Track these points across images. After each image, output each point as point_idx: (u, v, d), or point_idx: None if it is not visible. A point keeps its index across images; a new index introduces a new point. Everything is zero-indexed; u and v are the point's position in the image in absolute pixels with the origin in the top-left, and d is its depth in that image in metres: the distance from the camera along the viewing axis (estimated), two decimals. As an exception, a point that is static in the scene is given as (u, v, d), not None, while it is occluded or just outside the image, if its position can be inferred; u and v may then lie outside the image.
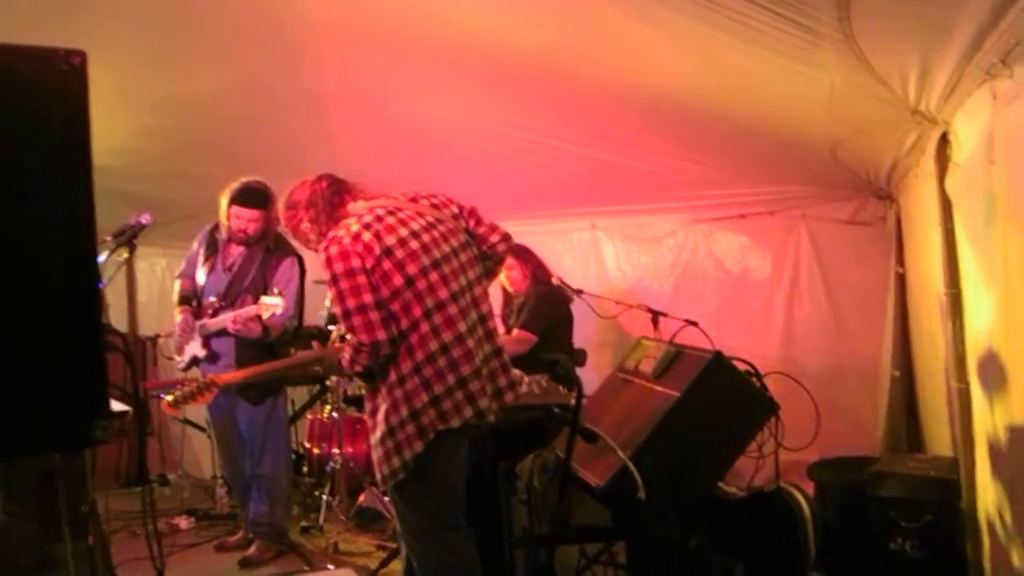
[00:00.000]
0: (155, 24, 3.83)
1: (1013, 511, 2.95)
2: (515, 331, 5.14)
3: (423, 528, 3.16)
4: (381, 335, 2.98)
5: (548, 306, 5.24)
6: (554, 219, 6.33)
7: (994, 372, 3.05)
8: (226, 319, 4.64)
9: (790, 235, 5.75)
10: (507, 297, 5.43)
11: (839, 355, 5.58)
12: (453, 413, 3.03)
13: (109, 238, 4.33)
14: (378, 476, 3.13)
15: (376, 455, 3.11)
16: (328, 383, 5.87)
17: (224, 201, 4.71)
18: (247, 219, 4.70)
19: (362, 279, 2.99)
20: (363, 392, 3.44)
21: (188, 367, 4.89)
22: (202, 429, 6.28)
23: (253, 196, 4.68)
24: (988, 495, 3.29)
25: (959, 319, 3.59)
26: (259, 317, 4.54)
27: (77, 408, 2.02)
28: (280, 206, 3.40)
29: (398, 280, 3.01)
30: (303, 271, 4.89)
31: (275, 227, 4.74)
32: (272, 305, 4.42)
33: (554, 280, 5.33)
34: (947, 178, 3.50)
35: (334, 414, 5.74)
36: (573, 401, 3.06)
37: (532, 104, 4.56)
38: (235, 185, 4.69)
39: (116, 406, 3.92)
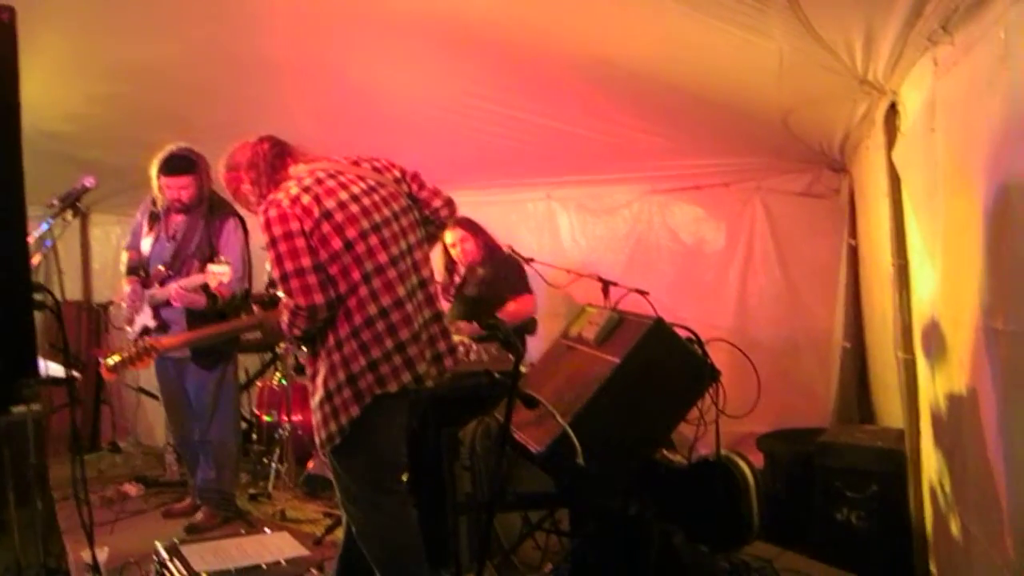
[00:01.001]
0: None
1: (953, 480, 2.98)
2: (511, 301, 5.15)
3: (361, 493, 3.14)
4: (318, 298, 2.95)
5: (517, 265, 5.29)
6: (509, 189, 6.28)
7: (936, 342, 3.08)
8: (171, 290, 4.59)
9: (745, 207, 5.72)
10: (451, 266, 5.40)
11: (792, 327, 5.60)
12: (391, 378, 3.01)
13: (56, 201, 4.28)
14: (317, 440, 3.11)
15: (315, 419, 3.10)
16: (278, 350, 5.84)
17: (153, 173, 4.69)
18: (178, 187, 4.69)
19: (300, 242, 2.95)
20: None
21: (139, 337, 4.83)
22: (155, 397, 6.22)
23: (180, 164, 4.67)
24: (931, 465, 3.33)
25: (906, 290, 3.62)
26: (205, 287, 4.49)
27: (3, 367, 1.99)
28: (221, 167, 3.35)
29: (337, 243, 2.98)
30: (246, 231, 4.86)
31: (209, 188, 4.74)
32: (219, 273, 4.38)
33: (505, 249, 5.31)
34: (894, 148, 3.50)
35: (284, 381, 5.71)
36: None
37: (487, 72, 4.51)
38: (161, 155, 4.68)
39: (62, 371, 3.88)
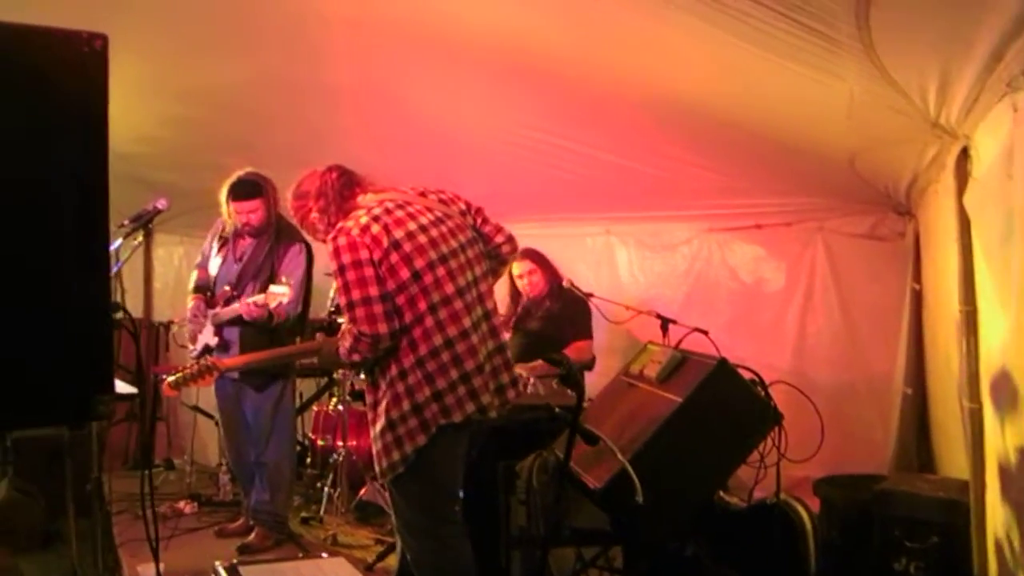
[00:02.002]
0: (185, 15, 3.88)
1: (1021, 535, 2.90)
2: (572, 343, 5.19)
3: (418, 522, 3.14)
4: (383, 328, 2.97)
5: (585, 306, 5.34)
6: (568, 223, 6.32)
7: (1007, 392, 3.00)
8: (237, 307, 4.69)
9: (806, 248, 5.69)
10: (515, 298, 5.43)
11: (851, 371, 5.52)
12: (455, 408, 3.01)
13: (127, 222, 4.39)
14: (377, 469, 3.12)
15: (376, 448, 3.10)
16: (335, 376, 5.89)
17: (223, 199, 4.80)
18: (247, 211, 4.78)
19: (369, 271, 2.98)
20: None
21: (200, 355, 4.91)
22: (211, 416, 6.31)
23: (247, 188, 4.77)
24: (997, 518, 3.23)
25: (974, 337, 3.53)
26: (266, 305, 4.57)
27: (81, 382, 2.02)
28: (288, 196, 3.40)
29: (405, 273, 3.00)
30: (311, 258, 4.95)
31: (276, 212, 4.83)
32: (279, 294, 4.48)
33: (565, 283, 5.34)
34: (966, 193, 3.45)
35: (340, 407, 5.75)
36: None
37: (549, 106, 4.55)
38: (229, 181, 4.79)
39: (125, 388, 3.96)
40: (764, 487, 3.53)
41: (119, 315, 2.61)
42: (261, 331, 4.76)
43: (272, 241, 4.88)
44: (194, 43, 4.16)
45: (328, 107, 4.75)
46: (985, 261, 3.32)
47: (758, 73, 3.45)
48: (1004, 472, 3.10)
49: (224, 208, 4.82)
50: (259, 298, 4.58)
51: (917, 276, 5.08)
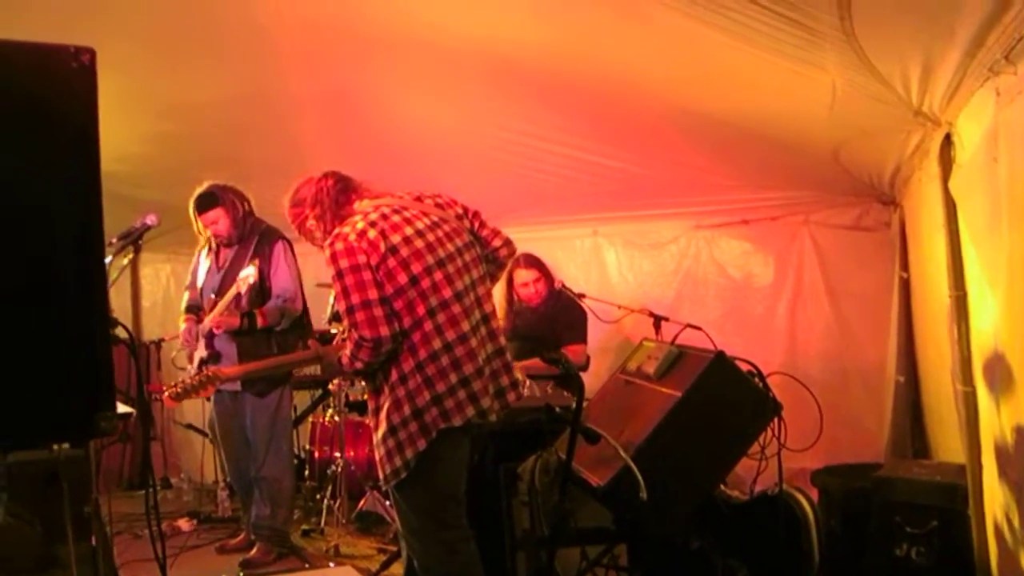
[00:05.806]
0: (162, 29, 3.88)
1: (1020, 514, 2.93)
2: (569, 347, 5.21)
3: (423, 527, 3.13)
4: (384, 331, 2.96)
5: (581, 311, 5.38)
6: (555, 225, 6.34)
7: (1000, 374, 3.03)
8: (208, 322, 4.72)
9: (793, 241, 5.76)
10: (511, 303, 5.42)
11: (843, 361, 5.58)
12: (455, 412, 3.01)
13: (115, 240, 4.37)
14: (380, 475, 3.11)
15: (378, 454, 3.09)
16: (331, 387, 5.88)
17: (192, 216, 4.86)
18: (211, 222, 4.84)
19: (367, 275, 2.98)
20: (365, 397, 3.41)
21: (199, 370, 4.90)
22: (204, 434, 6.28)
23: (206, 200, 4.83)
24: (996, 499, 3.26)
25: (965, 321, 3.57)
26: (236, 301, 4.65)
27: (83, 399, 2.01)
28: (285, 203, 3.39)
29: (403, 278, 3.00)
30: (294, 254, 4.99)
31: (246, 216, 4.89)
32: (245, 276, 4.55)
33: (557, 284, 5.36)
34: (951, 179, 3.49)
35: (336, 418, 5.73)
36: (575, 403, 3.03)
37: (531, 109, 4.57)
38: (192, 198, 4.85)
39: (119, 407, 3.93)
40: (762, 480, 3.55)
41: (118, 331, 2.60)
42: (259, 339, 4.77)
43: (255, 245, 4.88)
44: (173, 58, 4.16)
45: (309, 118, 4.77)
46: (973, 245, 3.36)
47: (741, 68, 3.48)
48: (1001, 453, 3.13)
49: (195, 225, 4.88)
50: (227, 298, 4.63)
51: (904, 264, 5.13)
